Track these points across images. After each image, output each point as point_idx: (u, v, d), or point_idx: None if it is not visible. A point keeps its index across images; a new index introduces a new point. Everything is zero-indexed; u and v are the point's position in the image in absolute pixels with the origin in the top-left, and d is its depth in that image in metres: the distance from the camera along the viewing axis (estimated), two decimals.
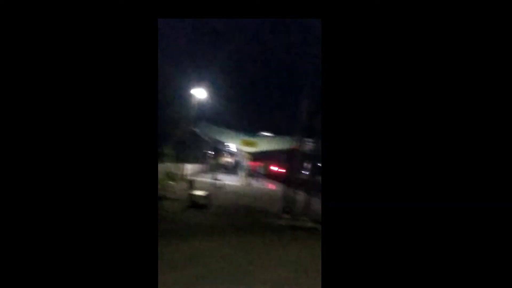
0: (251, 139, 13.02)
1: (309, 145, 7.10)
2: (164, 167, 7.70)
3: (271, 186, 13.65)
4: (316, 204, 5.46)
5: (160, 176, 6.75)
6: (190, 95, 10.06)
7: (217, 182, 10.66)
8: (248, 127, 13.82)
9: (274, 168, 18.66)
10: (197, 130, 13.17)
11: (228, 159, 16.34)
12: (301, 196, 6.71)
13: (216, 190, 9.25)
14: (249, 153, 13.40)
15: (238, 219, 5.54)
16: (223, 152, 16.05)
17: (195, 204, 6.02)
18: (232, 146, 14.60)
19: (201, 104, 10.48)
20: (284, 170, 14.93)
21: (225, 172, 14.53)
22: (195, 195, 6.28)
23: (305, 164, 8.15)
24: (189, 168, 11.64)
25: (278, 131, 13.99)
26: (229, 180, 12.10)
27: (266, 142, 13.73)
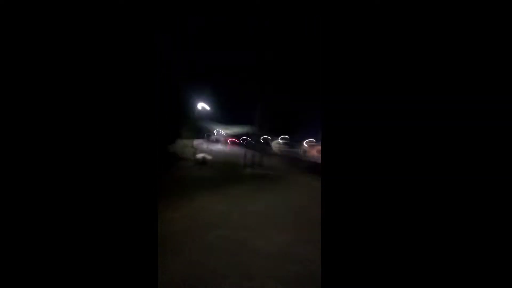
0: (228, 127, 24.25)
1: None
2: (183, 141, 12.52)
3: (234, 148, 23.36)
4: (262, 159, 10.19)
5: (181, 146, 11.33)
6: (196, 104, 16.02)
7: (211, 148, 17.11)
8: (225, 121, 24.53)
9: (234, 141, 37.03)
10: (200, 122, 21.92)
11: (216, 137, 28.55)
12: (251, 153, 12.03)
13: (211, 152, 14.48)
14: (225, 134, 24.30)
15: (222, 169, 9.84)
16: (213, 134, 27.93)
17: (198, 161, 10.48)
18: (219, 131, 26.78)
19: (201, 109, 16.59)
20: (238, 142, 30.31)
21: (215, 143, 24.25)
22: (199, 157, 10.76)
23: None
24: (197, 142, 18.22)
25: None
26: (216, 147, 19.93)
27: (235, 129, 24.76)
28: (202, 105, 16.78)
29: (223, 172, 8.75)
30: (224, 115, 24.68)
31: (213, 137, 27.68)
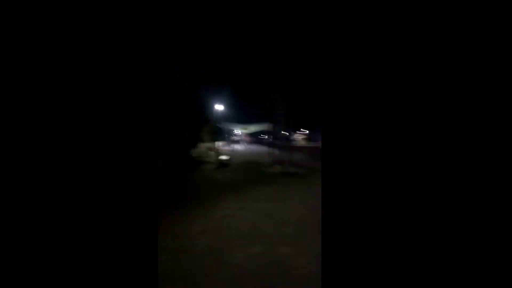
0: (246, 126, 24.18)
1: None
2: (204, 145, 12.43)
3: (255, 147, 23.46)
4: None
5: (204, 149, 11.18)
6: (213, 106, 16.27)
7: (233, 149, 16.94)
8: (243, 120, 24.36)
9: (255, 139, 39.51)
10: (219, 124, 22.26)
11: (236, 138, 28.17)
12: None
13: (232, 153, 14.14)
14: (245, 133, 25.41)
15: (246, 170, 9.24)
16: (233, 134, 27.51)
17: (221, 163, 9.94)
18: (237, 131, 26.42)
19: (218, 111, 16.83)
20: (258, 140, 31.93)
21: (236, 144, 24.15)
22: (221, 159, 10.23)
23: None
24: (218, 144, 18.34)
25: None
26: (237, 148, 19.95)
27: (252, 127, 24.91)
28: (219, 106, 16.65)
29: (248, 173, 8.14)
30: (241, 114, 24.33)
31: (233, 138, 27.39)
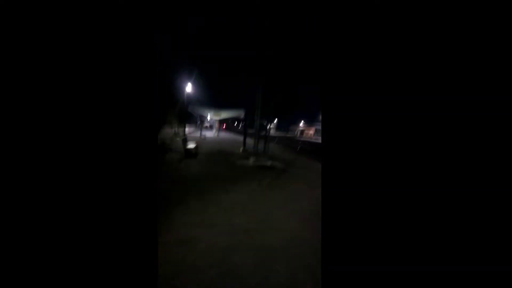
0: (218, 111, 22.66)
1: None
2: (170, 130, 10.96)
3: (228, 135, 23.01)
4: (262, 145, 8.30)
5: (168, 135, 9.70)
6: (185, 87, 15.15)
7: (203, 136, 15.52)
8: (216, 105, 23.14)
9: (228, 126, 38.78)
10: (190, 108, 21.09)
11: (207, 124, 26.41)
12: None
13: (202, 140, 12.77)
14: (217, 120, 23.40)
15: (218, 162, 7.97)
16: (204, 120, 25.65)
17: (189, 153, 8.51)
18: (209, 116, 24.72)
19: (190, 93, 15.79)
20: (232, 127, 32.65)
21: (208, 130, 22.04)
22: (188, 148, 8.76)
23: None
24: (188, 130, 16.54)
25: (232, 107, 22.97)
26: (208, 134, 18.48)
27: (225, 113, 23.43)
28: (191, 88, 15.00)
29: (219, 166, 6.89)
30: (215, 99, 22.56)
31: (206, 123, 25.40)
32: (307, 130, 48.16)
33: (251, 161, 7.93)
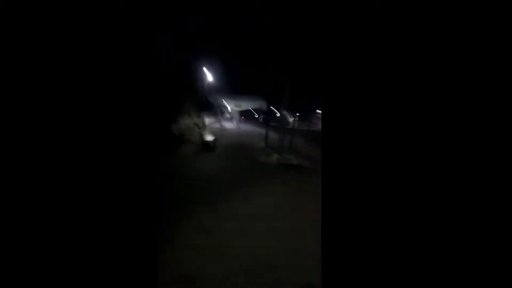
0: (239, 102, 21.99)
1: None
2: (188, 120, 10.47)
3: (250, 127, 21.55)
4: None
5: (186, 125, 9.22)
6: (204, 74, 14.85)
7: (223, 127, 15.18)
8: (237, 95, 21.57)
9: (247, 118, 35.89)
10: (210, 99, 21.09)
11: (227, 115, 24.86)
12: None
13: (222, 132, 12.31)
14: (238, 111, 22.49)
15: (237, 157, 7.17)
16: (225, 111, 24.56)
17: (207, 146, 7.85)
18: (229, 107, 23.85)
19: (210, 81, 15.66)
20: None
21: (227, 121, 21.04)
22: (206, 140, 8.10)
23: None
24: (208, 120, 16.38)
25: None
26: (229, 126, 17.24)
27: (245, 104, 22.70)
28: (211, 76, 14.27)
29: (238, 163, 6.12)
30: (236, 89, 21.30)
31: (227, 115, 24.39)
32: None
33: (275, 158, 7.06)
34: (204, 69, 13.94)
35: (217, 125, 16.32)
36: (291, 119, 9.77)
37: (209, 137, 8.31)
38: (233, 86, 21.14)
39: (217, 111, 21.74)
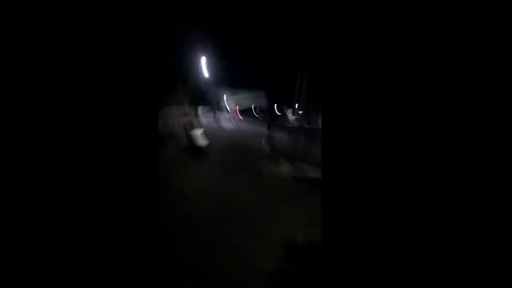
0: (239, 101, 21.08)
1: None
2: (177, 114, 9.08)
3: (248, 124, 19.67)
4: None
5: (174, 121, 8.06)
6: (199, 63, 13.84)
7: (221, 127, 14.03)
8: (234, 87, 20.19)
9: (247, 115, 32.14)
10: (203, 88, 19.05)
11: (226, 114, 22.43)
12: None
13: (218, 132, 10.48)
14: (238, 109, 21.35)
15: (233, 166, 5.52)
16: (223, 106, 22.28)
17: (195, 149, 6.15)
18: (228, 103, 22.29)
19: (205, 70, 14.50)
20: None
21: (225, 120, 18.84)
22: (197, 143, 6.38)
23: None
24: (204, 120, 14.99)
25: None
26: (227, 125, 15.71)
27: (245, 99, 21.48)
28: (205, 64, 12.96)
29: (237, 177, 4.43)
30: (233, 80, 19.22)
31: (225, 113, 22.11)
32: None
33: (285, 168, 5.34)
34: (203, 58, 12.39)
35: (215, 125, 14.44)
36: (303, 118, 8.11)
37: (202, 141, 6.56)
38: (233, 79, 18.96)
39: (214, 108, 19.53)
